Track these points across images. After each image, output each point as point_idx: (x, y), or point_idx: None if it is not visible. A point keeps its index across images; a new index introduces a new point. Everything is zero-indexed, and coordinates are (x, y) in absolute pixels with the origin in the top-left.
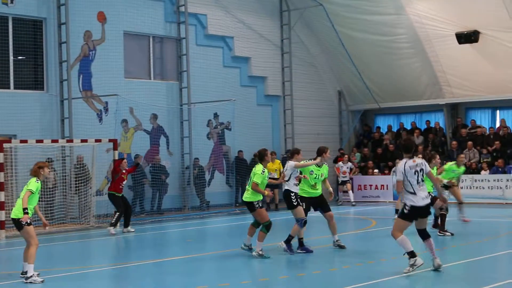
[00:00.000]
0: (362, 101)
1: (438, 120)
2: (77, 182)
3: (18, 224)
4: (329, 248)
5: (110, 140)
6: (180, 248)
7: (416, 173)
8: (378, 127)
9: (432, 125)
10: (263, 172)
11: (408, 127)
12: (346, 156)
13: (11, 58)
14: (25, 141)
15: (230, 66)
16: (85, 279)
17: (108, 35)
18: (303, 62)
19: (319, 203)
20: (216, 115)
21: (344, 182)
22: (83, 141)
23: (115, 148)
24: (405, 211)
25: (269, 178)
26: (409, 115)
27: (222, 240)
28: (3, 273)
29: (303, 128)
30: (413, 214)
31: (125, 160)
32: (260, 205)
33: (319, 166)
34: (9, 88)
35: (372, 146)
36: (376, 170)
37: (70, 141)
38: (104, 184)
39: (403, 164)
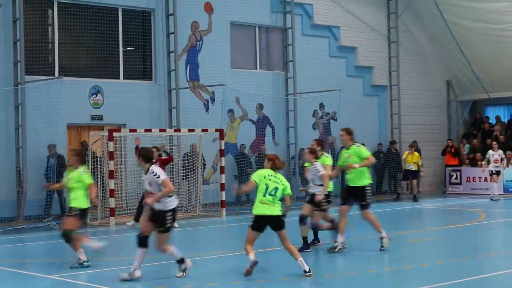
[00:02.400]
0: (472, 91)
1: None
2: (184, 170)
3: None
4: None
5: (216, 130)
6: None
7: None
8: (487, 117)
9: None
10: None
11: None
12: (495, 143)
13: (121, 48)
14: (134, 130)
15: (336, 56)
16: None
17: (215, 26)
18: (410, 52)
19: None
20: (322, 105)
21: (498, 173)
22: (190, 130)
23: (221, 137)
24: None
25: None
26: None
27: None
28: (121, 258)
29: (410, 119)
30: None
31: (163, 145)
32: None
33: None
34: (119, 78)
35: (482, 137)
36: (484, 162)
37: (178, 130)
38: (210, 173)
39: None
